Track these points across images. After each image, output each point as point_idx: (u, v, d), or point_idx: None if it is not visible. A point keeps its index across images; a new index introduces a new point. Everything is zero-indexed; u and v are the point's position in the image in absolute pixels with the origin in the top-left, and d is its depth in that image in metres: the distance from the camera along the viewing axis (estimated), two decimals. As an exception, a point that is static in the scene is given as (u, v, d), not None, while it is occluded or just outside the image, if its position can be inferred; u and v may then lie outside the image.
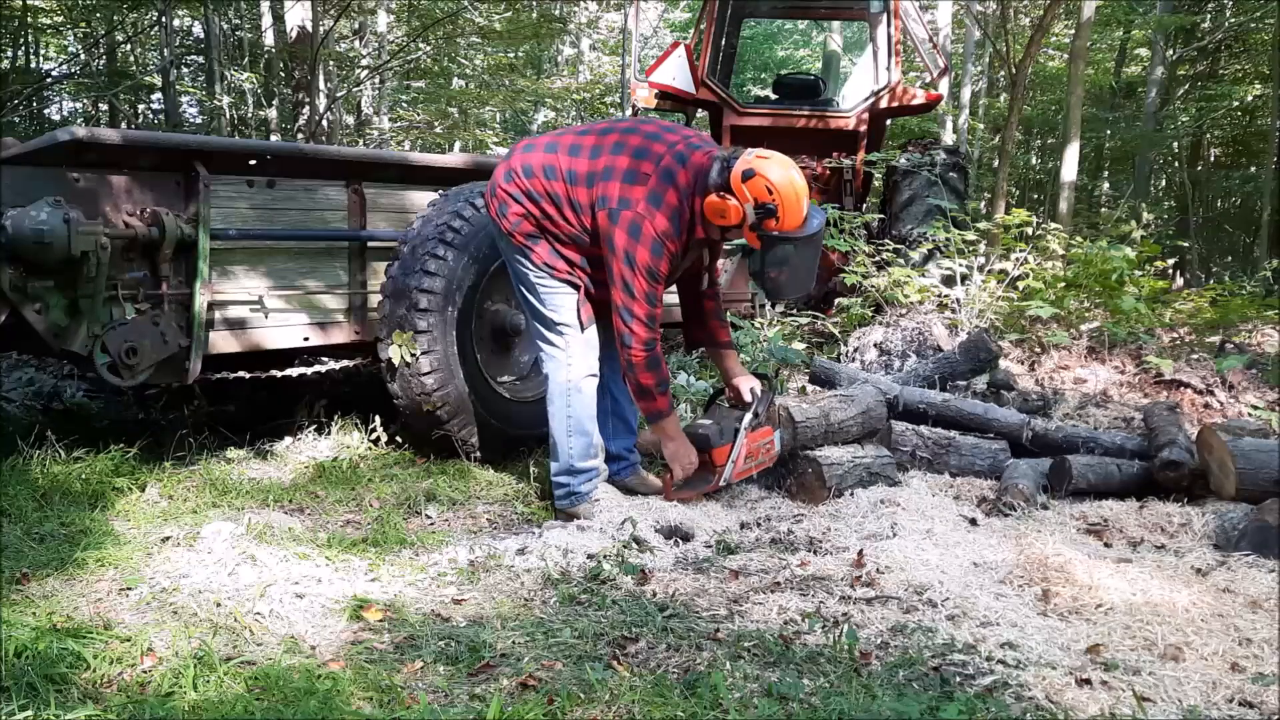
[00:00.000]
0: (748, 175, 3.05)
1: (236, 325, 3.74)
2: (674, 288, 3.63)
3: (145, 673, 2.10)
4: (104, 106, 16.39)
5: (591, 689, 2.10)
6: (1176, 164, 20.64)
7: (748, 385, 3.52)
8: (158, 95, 16.77)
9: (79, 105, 17.60)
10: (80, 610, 2.42)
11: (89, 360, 3.38)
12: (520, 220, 3.25)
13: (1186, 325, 6.24)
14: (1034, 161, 22.09)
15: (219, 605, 2.46)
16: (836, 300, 6.46)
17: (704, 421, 3.50)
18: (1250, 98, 18.71)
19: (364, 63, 14.69)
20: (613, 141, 3.26)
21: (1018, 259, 6.14)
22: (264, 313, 3.80)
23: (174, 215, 3.48)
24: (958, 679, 2.20)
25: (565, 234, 3.25)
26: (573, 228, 3.23)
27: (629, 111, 9.51)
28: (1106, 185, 22.34)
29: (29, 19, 13.86)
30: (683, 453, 3.37)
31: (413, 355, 3.75)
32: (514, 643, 2.36)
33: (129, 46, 16.16)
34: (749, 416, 3.41)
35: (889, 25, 7.72)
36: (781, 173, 3.08)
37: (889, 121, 9.39)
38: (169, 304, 3.51)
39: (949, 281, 6.19)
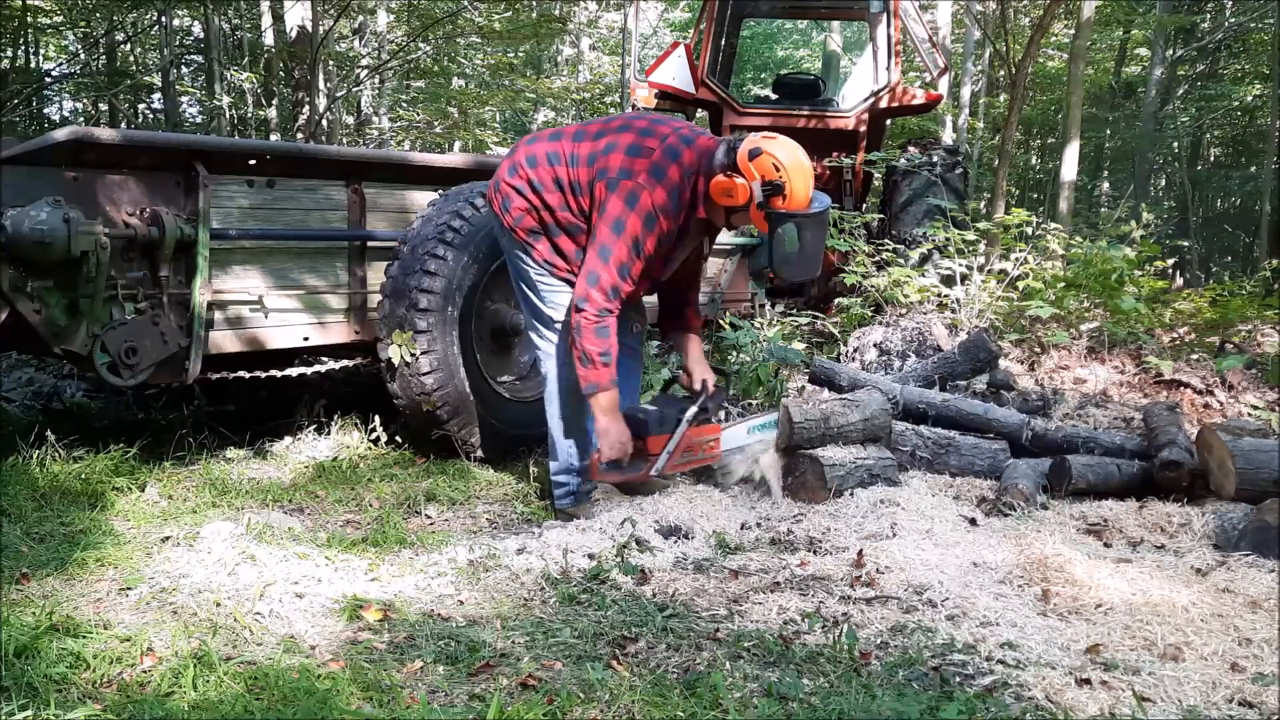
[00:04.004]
0: (754, 154, 3.05)
1: (236, 325, 3.74)
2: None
3: (145, 672, 2.10)
4: (104, 106, 16.38)
5: (591, 689, 2.10)
6: (1176, 164, 20.64)
7: (701, 375, 3.45)
8: (158, 95, 16.77)
9: (79, 105, 17.58)
10: (80, 610, 2.42)
11: (89, 360, 3.38)
12: (522, 215, 3.24)
13: (1186, 325, 6.23)
14: (1034, 161, 22.10)
15: (219, 605, 2.46)
16: (836, 300, 6.46)
17: (647, 406, 3.41)
18: (1250, 98, 18.73)
19: (364, 62, 14.68)
20: (618, 124, 3.27)
21: (1018, 259, 6.14)
22: (264, 312, 3.80)
23: (174, 215, 3.48)
24: (958, 679, 2.20)
25: (566, 223, 3.22)
26: (573, 216, 3.21)
27: (629, 111, 9.51)
28: (1106, 185, 22.34)
29: (29, 19, 13.85)
30: (613, 431, 3.22)
31: (413, 355, 3.75)
32: (514, 643, 2.36)
33: (129, 46, 16.15)
34: (693, 409, 3.34)
35: (889, 25, 7.71)
36: (788, 151, 3.09)
37: (889, 121, 9.38)
38: (169, 304, 3.51)
39: (949, 281, 6.18)
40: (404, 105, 17.76)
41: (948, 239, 6.14)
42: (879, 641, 2.41)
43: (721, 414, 3.50)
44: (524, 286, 3.35)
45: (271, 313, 3.83)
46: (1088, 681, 2.16)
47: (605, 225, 3.11)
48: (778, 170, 3.04)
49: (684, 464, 3.40)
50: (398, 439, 4.19)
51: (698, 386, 3.43)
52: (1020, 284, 5.96)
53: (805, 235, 3.12)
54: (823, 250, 3.28)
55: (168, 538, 2.98)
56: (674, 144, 3.16)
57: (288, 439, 4.18)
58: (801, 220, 3.10)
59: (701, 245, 3.44)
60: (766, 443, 3.70)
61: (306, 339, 3.96)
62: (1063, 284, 5.93)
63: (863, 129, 7.72)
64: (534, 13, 15.85)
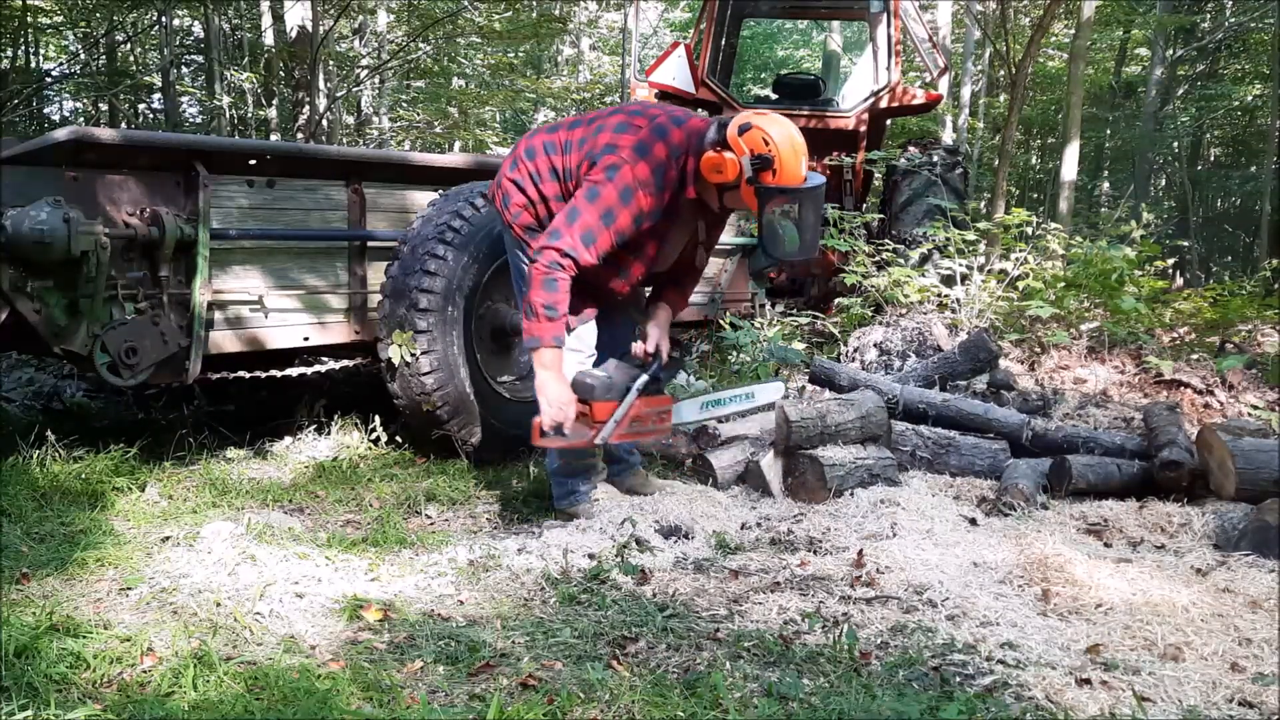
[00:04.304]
0: (744, 129, 3.01)
1: (236, 324, 3.74)
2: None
3: (145, 672, 2.10)
4: (104, 106, 16.39)
5: (591, 689, 2.10)
6: (1176, 164, 20.65)
7: (656, 341, 3.31)
8: (158, 95, 16.78)
9: (79, 105, 17.59)
10: (80, 610, 2.42)
11: (89, 360, 3.38)
12: (520, 212, 3.24)
13: (1186, 325, 6.23)
14: (1034, 161, 22.10)
15: (219, 605, 2.46)
16: (836, 300, 6.46)
17: (597, 372, 3.21)
18: (1250, 98, 18.74)
19: (364, 63, 14.68)
20: (610, 110, 3.26)
21: (1018, 259, 6.14)
22: (264, 312, 3.80)
23: (174, 215, 3.48)
24: (958, 679, 2.20)
25: None
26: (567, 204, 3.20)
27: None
28: (1106, 185, 22.36)
29: (29, 19, 13.85)
30: (552, 389, 3.05)
31: (413, 355, 3.75)
32: (514, 643, 2.36)
33: (129, 46, 16.15)
34: (644, 378, 3.18)
35: (889, 25, 7.72)
36: (778, 127, 3.03)
37: (889, 121, 9.38)
38: (169, 304, 3.51)
39: (949, 281, 6.18)
40: (404, 105, 17.76)
41: (948, 239, 6.14)
42: (879, 641, 2.41)
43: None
44: (521, 283, 3.34)
45: (271, 313, 3.83)
46: (1088, 681, 2.16)
47: (581, 192, 3.08)
48: (767, 144, 2.98)
49: (632, 434, 3.23)
50: (398, 439, 4.19)
51: (651, 349, 3.31)
52: (1020, 284, 5.96)
53: (797, 213, 3.04)
54: (818, 230, 3.17)
55: (168, 538, 2.98)
56: (663, 123, 3.14)
57: (288, 439, 4.18)
58: (792, 195, 3.02)
59: (697, 232, 3.37)
60: (727, 417, 3.65)
61: (306, 339, 3.96)
62: (1063, 284, 5.93)
63: (863, 129, 7.72)
64: (534, 13, 15.85)
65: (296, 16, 11.74)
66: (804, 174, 3.04)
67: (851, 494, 3.47)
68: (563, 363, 3.12)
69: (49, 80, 15.44)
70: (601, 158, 3.08)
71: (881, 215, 7.54)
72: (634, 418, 3.17)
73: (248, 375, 3.93)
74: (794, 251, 3.12)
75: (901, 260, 6.24)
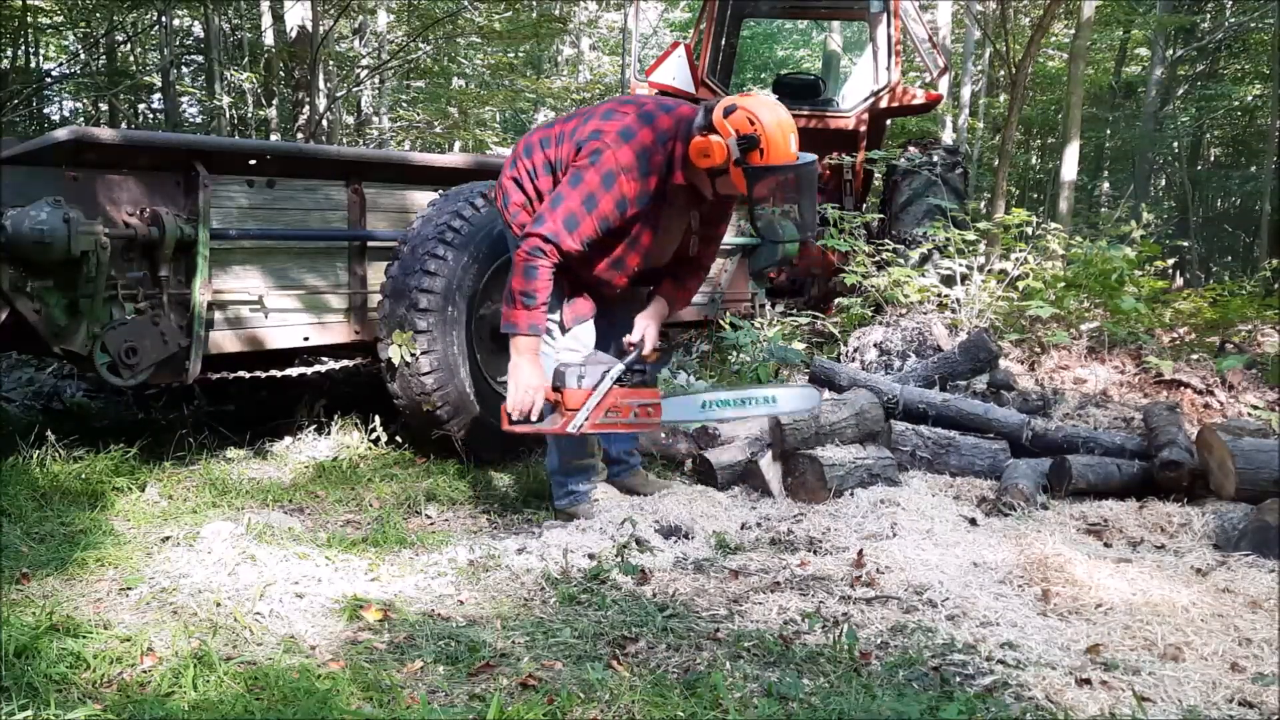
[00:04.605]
0: (729, 110, 2.99)
1: (236, 325, 3.74)
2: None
3: (145, 672, 2.10)
4: (104, 106, 16.39)
5: (591, 689, 2.10)
6: (1176, 164, 20.66)
7: (643, 331, 3.26)
8: (158, 95, 16.78)
9: (79, 105, 17.59)
10: (80, 610, 2.42)
11: (89, 360, 3.38)
12: (519, 210, 3.24)
13: (1186, 325, 6.24)
14: (1034, 161, 22.11)
15: (219, 605, 2.46)
16: (836, 300, 6.46)
17: (573, 360, 3.17)
18: (1250, 98, 18.75)
19: (364, 62, 14.67)
20: (603, 101, 3.27)
21: (1018, 259, 6.14)
22: (264, 312, 3.80)
23: (174, 215, 3.48)
24: (958, 679, 2.20)
25: None
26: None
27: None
28: (1106, 185, 22.36)
29: (29, 19, 13.85)
30: (523, 374, 3.06)
31: (413, 355, 3.75)
32: (514, 643, 2.36)
33: (129, 46, 16.15)
34: (619, 367, 3.11)
35: (889, 25, 7.71)
36: (765, 106, 3.01)
37: (889, 121, 9.38)
38: (169, 304, 3.51)
39: (949, 281, 6.18)
40: (404, 105, 17.76)
41: (948, 239, 6.14)
42: (879, 641, 2.41)
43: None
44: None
45: (271, 313, 3.83)
46: (1088, 681, 2.16)
47: (566, 178, 3.09)
48: (752, 124, 2.95)
49: (608, 425, 3.12)
50: (398, 439, 4.19)
51: (635, 339, 3.26)
52: (1020, 284, 5.96)
53: (789, 191, 3.00)
54: (814, 209, 3.11)
55: (168, 538, 2.98)
56: (650, 110, 3.13)
57: (288, 439, 4.18)
58: (781, 174, 2.98)
59: (692, 222, 3.33)
60: (737, 420, 3.58)
61: (306, 339, 3.96)
62: (1063, 284, 5.93)
63: (863, 129, 7.72)
64: (534, 13, 15.85)
65: (296, 16, 11.74)
66: (794, 152, 3.01)
67: (851, 494, 3.47)
68: (538, 351, 3.12)
69: (49, 80, 15.43)
70: (586, 144, 3.09)
71: (881, 215, 7.54)
72: (610, 407, 3.10)
73: (248, 375, 3.93)
74: (792, 234, 3.09)
75: (901, 260, 6.24)
